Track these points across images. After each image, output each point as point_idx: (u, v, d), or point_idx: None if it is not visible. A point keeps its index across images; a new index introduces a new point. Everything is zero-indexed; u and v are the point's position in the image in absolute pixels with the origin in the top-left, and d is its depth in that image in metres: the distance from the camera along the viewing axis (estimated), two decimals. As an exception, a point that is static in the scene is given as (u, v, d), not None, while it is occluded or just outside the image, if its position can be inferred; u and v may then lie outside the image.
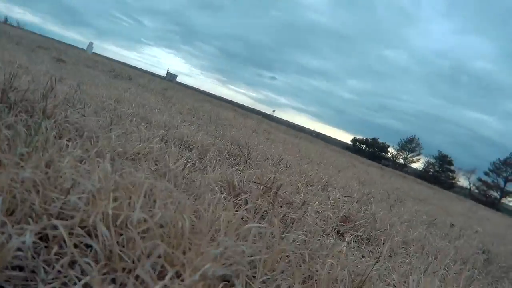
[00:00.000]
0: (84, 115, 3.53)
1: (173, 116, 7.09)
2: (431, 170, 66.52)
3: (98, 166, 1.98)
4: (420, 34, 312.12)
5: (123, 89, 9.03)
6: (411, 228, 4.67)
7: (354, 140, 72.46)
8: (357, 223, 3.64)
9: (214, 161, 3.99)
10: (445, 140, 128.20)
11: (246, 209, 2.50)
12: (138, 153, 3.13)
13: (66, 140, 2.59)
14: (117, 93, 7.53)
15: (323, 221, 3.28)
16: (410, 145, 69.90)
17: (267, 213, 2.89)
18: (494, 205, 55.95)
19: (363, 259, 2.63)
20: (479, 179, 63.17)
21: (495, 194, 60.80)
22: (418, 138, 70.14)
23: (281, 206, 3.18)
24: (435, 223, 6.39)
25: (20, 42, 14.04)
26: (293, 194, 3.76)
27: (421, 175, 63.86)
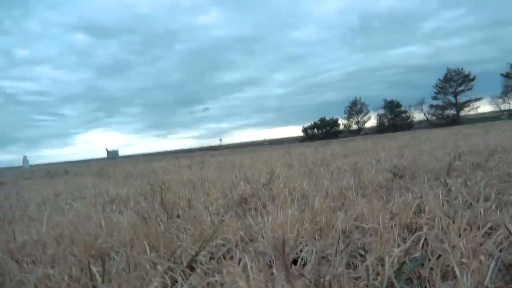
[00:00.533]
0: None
1: (107, 185, 8.06)
2: (385, 121, 66.38)
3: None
4: (317, 2, 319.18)
5: (60, 184, 10.11)
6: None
7: (304, 130, 71.95)
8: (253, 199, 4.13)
9: (133, 202, 4.75)
10: (384, 87, 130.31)
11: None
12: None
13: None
14: (54, 188, 8.55)
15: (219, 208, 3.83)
16: (355, 108, 69.82)
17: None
18: (455, 121, 56.60)
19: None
20: (431, 106, 63.80)
21: (452, 112, 61.02)
22: (360, 98, 70.42)
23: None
24: (356, 167, 6.52)
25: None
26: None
27: (379, 129, 64.03)
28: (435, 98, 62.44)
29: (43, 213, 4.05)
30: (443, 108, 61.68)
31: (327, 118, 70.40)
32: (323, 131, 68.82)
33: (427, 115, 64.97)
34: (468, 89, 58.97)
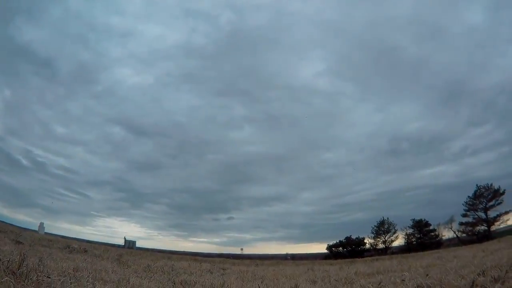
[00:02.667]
0: (49, 277, 4.94)
1: (127, 274, 8.13)
2: (413, 239, 64.67)
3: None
4: (348, 126, 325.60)
5: (79, 260, 10.41)
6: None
7: (329, 247, 70.36)
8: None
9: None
10: (413, 206, 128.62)
11: None
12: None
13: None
14: (74, 264, 8.64)
15: None
16: (383, 227, 68.30)
17: None
18: (486, 237, 54.80)
19: None
20: (461, 223, 61.99)
21: (483, 227, 58.98)
22: (388, 218, 69.15)
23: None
24: (380, 287, 6.60)
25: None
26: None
27: (406, 248, 62.26)
28: (465, 215, 60.82)
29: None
30: (473, 224, 59.66)
31: (353, 237, 69.13)
32: (348, 249, 67.18)
33: (457, 232, 62.75)
34: (498, 203, 57.33)
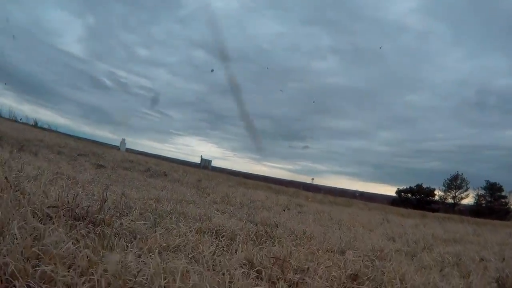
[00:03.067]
0: (133, 221, 4.94)
1: (207, 207, 8.17)
2: (483, 202, 64.58)
3: (151, 258, 3.37)
4: (436, 69, 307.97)
5: (160, 188, 10.44)
6: (425, 273, 4.98)
7: (398, 192, 71.30)
8: (365, 278, 4.17)
9: (241, 243, 4.91)
10: (490, 167, 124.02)
11: (259, 278, 3.58)
12: (179, 245, 4.26)
13: (125, 241, 4.03)
14: (156, 193, 8.70)
15: (330, 280, 3.96)
16: (455, 182, 68.07)
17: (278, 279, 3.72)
18: None
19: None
20: (534, 197, 60.36)
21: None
22: (462, 174, 68.28)
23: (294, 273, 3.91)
24: (460, 262, 6.39)
25: (61, 152, 15.06)
26: (307, 261, 4.51)
27: (475, 209, 62.15)
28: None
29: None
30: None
31: (424, 186, 69.55)
32: (417, 197, 67.99)
33: (526, 205, 61.75)
34: None
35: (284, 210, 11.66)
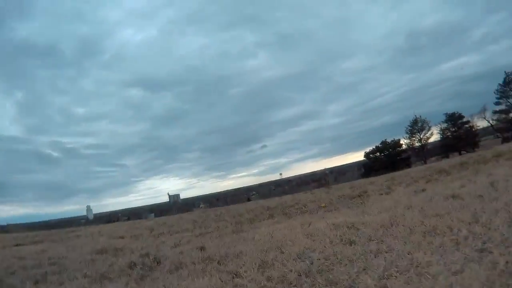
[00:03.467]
0: None
1: None
2: (448, 133, 64.73)
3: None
4: (363, 30, 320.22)
5: None
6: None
7: (366, 155, 70.86)
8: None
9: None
10: (441, 101, 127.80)
11: None
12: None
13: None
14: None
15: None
16: (416, 126, 68.00)
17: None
18: None
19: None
20: (494, 111, 61.54)
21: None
22: (420, 116, 68.72)
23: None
24: None
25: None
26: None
27: (443, 144, 62.81)
28: (497, 103, 60.01)
29: None
30: (507, 112, 59.01)
31: (388, 140, 69.21)
32: (385, 153, 67.51)
33: (491, 121, 62.88)
34: (530, 87, 56.14)
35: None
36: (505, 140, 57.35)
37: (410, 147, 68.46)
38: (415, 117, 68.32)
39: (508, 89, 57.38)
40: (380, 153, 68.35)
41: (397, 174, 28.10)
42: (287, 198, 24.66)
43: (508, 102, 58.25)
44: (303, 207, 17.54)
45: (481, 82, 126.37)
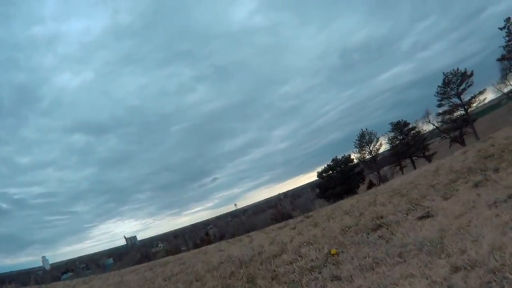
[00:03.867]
0: None
1: None
2: (397, 142, 64.43)
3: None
4: (296, 53, 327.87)
5: None
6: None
7: (319, 174, 69.20)
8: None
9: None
10: (382, 112, 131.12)
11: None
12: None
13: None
14: None
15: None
16: (364, 139, 67.44)
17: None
18: (465, 120, 57.18)
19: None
20: (438, 113, 61.31)
21: (461, 112, 58.36)
22: (366, 129, 68.06)
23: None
24: None
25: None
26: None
27: (394, 153, 62.22)
28: (439, 105, 59.82)
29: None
30: (451, 112, 58.92)
31: (339, 157, 67.87)
32: (338, 170, 65.91)
33: (436, 124, 62.74)
34: (469, 86, 56.32)
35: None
36: (454, 140, 57.32)
37: (362, 161, 67.64)
38: (361, 131, 67.81)
39: (449, 89, 57.41)
40: (333, 171, 66.93)
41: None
42: (262, 238, 16.87)
43: (450, 102, 58.25)
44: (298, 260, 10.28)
45: (417, 88, 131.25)
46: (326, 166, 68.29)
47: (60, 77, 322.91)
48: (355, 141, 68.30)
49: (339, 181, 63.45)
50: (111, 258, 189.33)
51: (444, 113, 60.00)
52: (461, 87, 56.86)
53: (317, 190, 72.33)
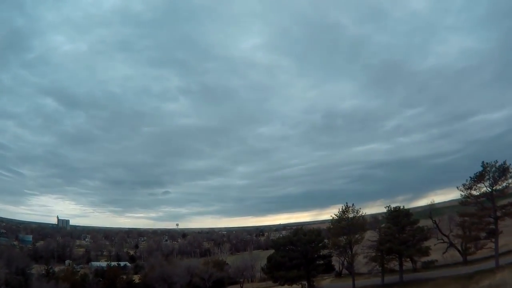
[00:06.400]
0: None
1: None
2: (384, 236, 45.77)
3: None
4: (284, 100, 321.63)
5: None
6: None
7: (274, 244, 51.40)
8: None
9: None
10: (345, 181, 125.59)
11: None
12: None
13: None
14: None
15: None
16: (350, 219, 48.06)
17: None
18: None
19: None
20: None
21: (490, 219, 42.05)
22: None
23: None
24: None
25: None
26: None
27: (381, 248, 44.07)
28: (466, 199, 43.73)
29: None
30: (481, 215, 42.61)
31: (305, 230, 50.11)
32: (298, 247, 47.61)
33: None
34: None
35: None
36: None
37: (335, 247, 48.85)
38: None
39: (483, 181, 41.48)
40: (292, 245, 49.01)
41: None
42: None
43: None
44: None
45: (385, 169, 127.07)
46: (283, 236, 50.95)
47: (55, 37, 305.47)
48: (333, 216, 49.30)
49: (299, 262, 46.84)
50: (31, 236, 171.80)
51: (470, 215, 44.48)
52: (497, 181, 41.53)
53: (265, 264, 53.46)
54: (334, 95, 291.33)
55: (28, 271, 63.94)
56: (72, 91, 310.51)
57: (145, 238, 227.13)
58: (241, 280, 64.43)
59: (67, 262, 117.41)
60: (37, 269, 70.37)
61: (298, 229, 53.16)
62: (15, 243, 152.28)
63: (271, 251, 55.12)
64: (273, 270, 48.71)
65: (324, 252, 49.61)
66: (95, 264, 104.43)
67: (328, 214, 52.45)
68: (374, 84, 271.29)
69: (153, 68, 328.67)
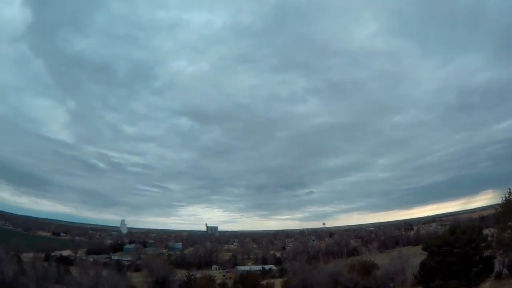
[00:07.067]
0: None
1: None
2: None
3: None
4: (413, 84, 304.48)
5: None
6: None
7: (427, 247, 46.13)
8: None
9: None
10: (492, 163, 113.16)
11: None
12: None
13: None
14: None
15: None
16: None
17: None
18: None
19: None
20: None
21: None
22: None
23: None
24: None
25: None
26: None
27: None
28: None
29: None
30: None
31: (463, 227, 44.38)
32: (457, 250, 42.06)
33: None
34: None
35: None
36: None
37: (499, 245, 41.92)
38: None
39: None
40: (449, 246, 43.01)
41: None
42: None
43: None
44: None
45: None
46: (440, 238, 45.37)
47: (177, 62, 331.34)
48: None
49: (455, 268, 40.68)
50: (180, 243, 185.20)
51: None
52: None
53: (417, 268, 48.48)
54: (464, 71, 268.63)
55: (171, 278, 67.12)
56: (204, 108, 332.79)
57: (292, 239, 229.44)
58: (391, 285, 59.79)
59: (213, 267, 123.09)
60: (181, 275, 73.64)
61: (455, 227, 46.95)
62: (164, 251, 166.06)
63: (421, 247, 50.67)
64: (427, 279, 43.66)
65: (487, 253, 42.16)
66: (241, 268, 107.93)
67: (479, 201, 45.93)
68: (502, 52, 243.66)
69: (276, 74, 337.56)
